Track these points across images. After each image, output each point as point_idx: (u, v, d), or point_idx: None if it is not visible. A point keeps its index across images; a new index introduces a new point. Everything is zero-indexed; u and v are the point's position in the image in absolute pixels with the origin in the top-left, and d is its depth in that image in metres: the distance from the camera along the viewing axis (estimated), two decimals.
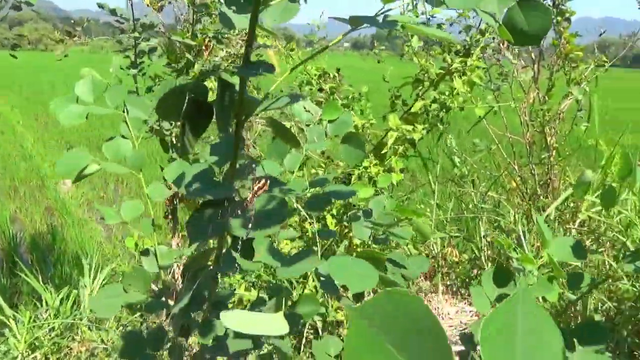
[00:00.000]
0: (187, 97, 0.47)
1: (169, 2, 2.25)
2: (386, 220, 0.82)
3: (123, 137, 0.81)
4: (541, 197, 2.52)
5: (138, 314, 2.17)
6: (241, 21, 0.52)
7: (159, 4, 2.21)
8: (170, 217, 2.06)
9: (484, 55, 2.41)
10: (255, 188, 0.50)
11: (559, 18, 2.57)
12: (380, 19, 0.51)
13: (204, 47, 1.92)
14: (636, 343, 2.09)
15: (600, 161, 2.94)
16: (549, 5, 2.54)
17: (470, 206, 2.88)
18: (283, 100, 0.59)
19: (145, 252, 0.87)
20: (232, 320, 0.43)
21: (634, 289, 2.23)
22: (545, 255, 0.98)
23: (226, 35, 1.84)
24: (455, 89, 2.24)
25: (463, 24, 2.46)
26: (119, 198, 5.08)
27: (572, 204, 2.51)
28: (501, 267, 0.90)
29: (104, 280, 2.57)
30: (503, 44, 2.48)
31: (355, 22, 0.53)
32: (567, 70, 2.66)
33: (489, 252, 2.70)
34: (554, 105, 2.61)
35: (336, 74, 2.52)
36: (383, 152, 2.29)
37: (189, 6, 2.20)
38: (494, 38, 2.59)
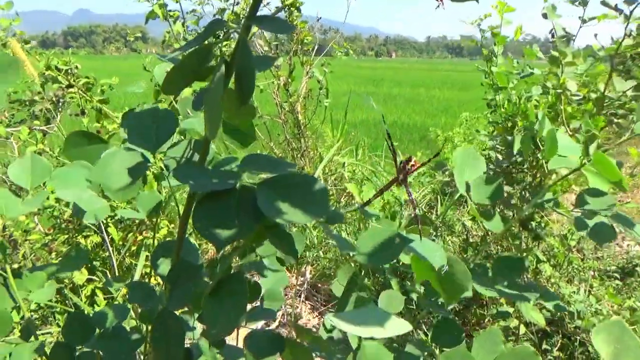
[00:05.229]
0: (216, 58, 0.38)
1: None
2: None
3: None
4: (304, 167, 2.85)
5: None
6: None
7: None
8: None
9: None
10: (409, 166, 0.44)
11: (292, 8, 2.89)
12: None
13: None
14: None
15: (337, 130, 3.46)
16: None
17: None
18: None
19: None
20: (347, 325, 0.38)
21: None
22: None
23: None
24: None
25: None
26: None
27: (328, 169, 2.92)
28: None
29: None
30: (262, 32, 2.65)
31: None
32: (300, 54, 3.04)
33: None
34: (298, 86, 2.95)
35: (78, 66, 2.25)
36: None
37: None
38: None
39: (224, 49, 2.08)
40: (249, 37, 0.50)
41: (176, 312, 0.43)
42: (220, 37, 1.68)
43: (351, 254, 0.42)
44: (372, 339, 0.55)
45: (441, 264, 0.41)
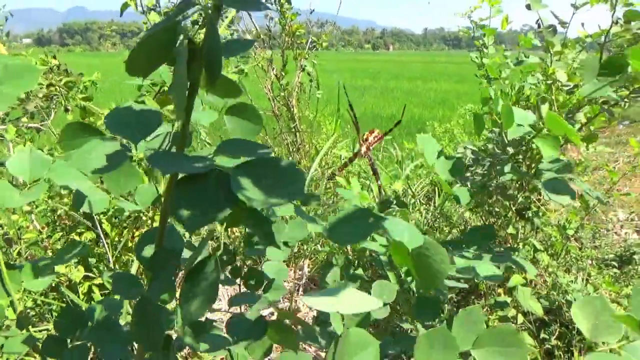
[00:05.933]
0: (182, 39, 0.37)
1: None
2: None
3: None
4: (300, 161, 2.84)
5: None
6: None
7: None
8: None
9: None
10: (371, 138, 0.43)
11: (281, 0, 2.86)
12: None
13: None
14: None
15: (332, 122, 3.41)
16: None
17: None
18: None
19: None
20: (315, 301, 0.38)
21: None
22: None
23: None
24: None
25: None
26: None
27: (325, 162, 2.91)
28: None
29: None
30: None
31: None
32: (294, 47, 3.02)
33: None
34: (291, 79, 2.93)
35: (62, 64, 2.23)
36: None
37: None
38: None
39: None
40: (230, 23, 0.48)
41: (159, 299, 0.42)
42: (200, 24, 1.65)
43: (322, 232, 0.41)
44: (359, 325, 0.55)
45: (415, 244, 0.40)
